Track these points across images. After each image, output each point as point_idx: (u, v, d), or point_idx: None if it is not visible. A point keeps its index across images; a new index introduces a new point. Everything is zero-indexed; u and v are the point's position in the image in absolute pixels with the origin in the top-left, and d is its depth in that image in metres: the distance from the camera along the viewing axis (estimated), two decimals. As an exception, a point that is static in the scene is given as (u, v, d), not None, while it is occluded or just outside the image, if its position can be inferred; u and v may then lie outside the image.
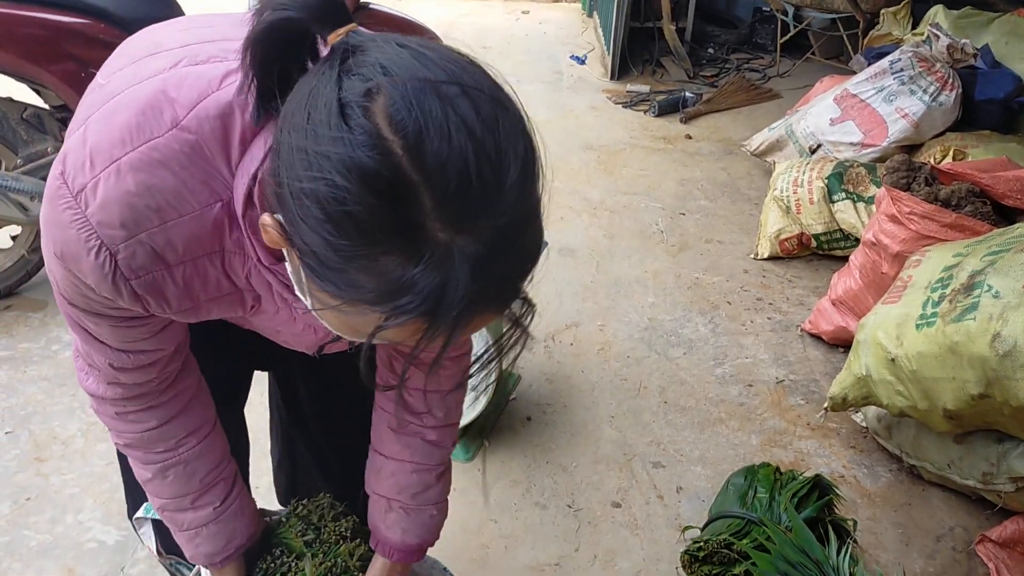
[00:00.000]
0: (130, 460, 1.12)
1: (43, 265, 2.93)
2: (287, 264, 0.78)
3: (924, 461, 2.25)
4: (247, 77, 0.75)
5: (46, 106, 2.81)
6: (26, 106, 2.75)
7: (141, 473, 1.12)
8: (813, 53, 5.83)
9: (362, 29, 0.72)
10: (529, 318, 0.75)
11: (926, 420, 2.11)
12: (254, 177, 0.78)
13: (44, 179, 2.72)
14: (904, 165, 2.73)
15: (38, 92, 2.80)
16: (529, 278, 0.72)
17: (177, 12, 2.92)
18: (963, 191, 2.56)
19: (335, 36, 0.69)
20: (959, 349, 1.93)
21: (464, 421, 2.28)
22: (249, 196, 0.79)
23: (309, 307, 0.77)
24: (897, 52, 3.87)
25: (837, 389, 2.31)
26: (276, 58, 0.72)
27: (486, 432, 2.43)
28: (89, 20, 2.68)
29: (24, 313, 2.86)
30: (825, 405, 2.39)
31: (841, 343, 2.88)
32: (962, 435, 2.12)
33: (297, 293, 0.79)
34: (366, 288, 0.66)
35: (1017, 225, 2.21)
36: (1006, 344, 1.82)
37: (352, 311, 0.70)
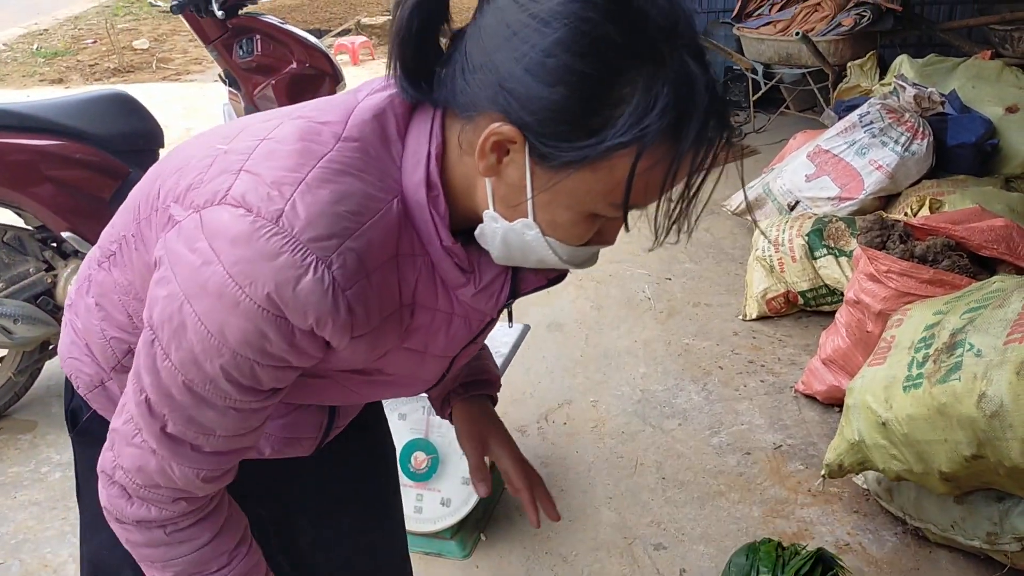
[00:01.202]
0: None
1: (31, 386, 2.91)
2: (488, 205, 0.85)
3: (927, 523, 2.21)
4: (393, 61, 0.83)
5: (28, 227, 2.83)
6: (6, 228, 2.76)
7: None
8: (787, 107, 5.91)
9: None
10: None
11: (923, 483, 2.08)
12: (427, 158, 0.84)
13: (27, 301, 2.72)
14: (877, 224, 2.74)
15: (18, 214, 2.82)
16: None
17: (153, 125, 2.97)
18: (939, 245, 2.57)
19: None
20: (947, 411, 1.91)
21: (459, 516, 2.25)
22: (427, 178, 0.84)
23: (531, 218, 0.83)
24: (865, 105, 3.93)
25: (832, 456, 2.29)
26: (422, 28, 0.81)
27: (482, 525, 2.39)
28: (65, 141, 2.71)
29: (13, 436, 2.84)
30: (822, 472, 2.36)
31: (835, 402, 2.86)
32: (962, 495, 2.09)
33: (494, 242, 0.87)
34: (616, 121, 0.74)
35: (994, 279, 2.21)
36: (992, 404, 1.80)
37: (598, 172, 0.77)
